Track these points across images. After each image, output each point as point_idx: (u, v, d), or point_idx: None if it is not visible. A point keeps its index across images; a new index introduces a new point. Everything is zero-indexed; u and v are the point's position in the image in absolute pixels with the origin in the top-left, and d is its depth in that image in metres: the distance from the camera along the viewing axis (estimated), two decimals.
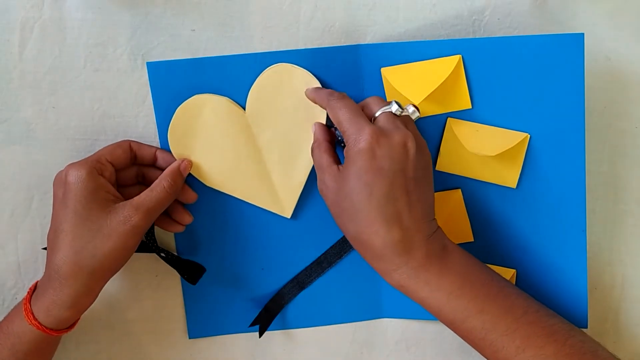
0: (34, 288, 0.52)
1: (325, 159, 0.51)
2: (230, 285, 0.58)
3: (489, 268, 0.51)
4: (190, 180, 0.56)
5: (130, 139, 0.55)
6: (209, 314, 0.59)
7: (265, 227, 0.58)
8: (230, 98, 0.55)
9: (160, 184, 0.53)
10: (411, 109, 0.52)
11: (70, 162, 0.52)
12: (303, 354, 0.60)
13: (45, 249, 0.53)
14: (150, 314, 0.59)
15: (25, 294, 0.52)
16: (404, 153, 0.48)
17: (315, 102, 0.54)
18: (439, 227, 0.50)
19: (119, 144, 0.54)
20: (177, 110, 0.55)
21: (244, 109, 0.56)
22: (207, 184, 0.56)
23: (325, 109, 0.52)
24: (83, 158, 0.53)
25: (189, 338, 0.59)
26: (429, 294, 0.48)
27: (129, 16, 0.56)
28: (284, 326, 0.59)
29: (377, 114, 0.51)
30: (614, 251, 0.59)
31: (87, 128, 0.57)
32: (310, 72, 0.55)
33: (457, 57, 0.54)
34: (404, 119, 0.51)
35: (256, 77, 0.55)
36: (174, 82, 0.55)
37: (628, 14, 0.57)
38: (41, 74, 0.56)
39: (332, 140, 0.54)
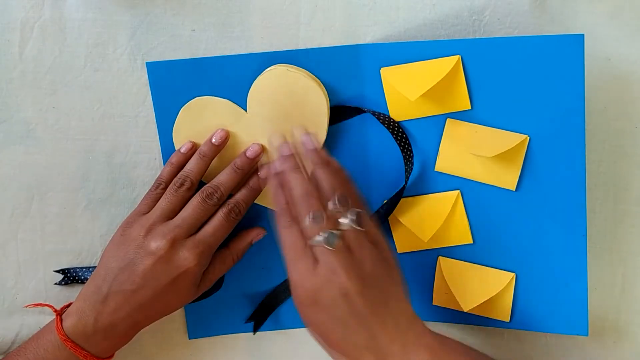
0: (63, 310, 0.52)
1: (298, 252, 0.47)
2: (230, 285, 0.58)
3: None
4: None
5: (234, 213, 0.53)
6: (209, 314, 0.59)
7: (265, 226, 0.57)
8: (230, 98, 0.55)
9: (229, 259, 0.55)
10: (346, 222, 0.46)
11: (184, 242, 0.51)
12: (303, 354, 0.60)
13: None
14: None
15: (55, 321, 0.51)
16: (346, 300, 0.44)
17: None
18: (416, 317, 0.47)
19: (228, 228, 0.53)
20: (180, 111, 0.55)
21: (245, 109, 0.56)
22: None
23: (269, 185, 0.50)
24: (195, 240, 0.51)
25: (189, 339, 0.59)
26: None
27: (129, 16, 0.56)
28: (284, 326, 0.59)
29: (312, 243, 0.46)
30: (614, 251, 0.59)
31: (87, 128, 0.57)
32: (310, 72, 0.55)
33: (456, 58, 0.53)
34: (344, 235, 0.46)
35: (256, 77, 0.55)
36: (173, 82, 0.55)
37: (628, 14, 0.57)
38: (41, 74, 0.56)
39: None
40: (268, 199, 0.56)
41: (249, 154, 0.55)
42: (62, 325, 0.50)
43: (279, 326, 0.59)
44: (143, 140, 0.57)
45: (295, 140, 0.52)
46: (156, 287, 0.50)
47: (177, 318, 0.59)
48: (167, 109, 0.56)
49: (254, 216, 0.57)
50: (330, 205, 0.47)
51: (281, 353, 0.60)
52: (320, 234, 0.46)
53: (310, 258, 0.46)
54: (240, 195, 0.54)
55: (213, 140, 0.55)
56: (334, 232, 0.45)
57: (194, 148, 0.55)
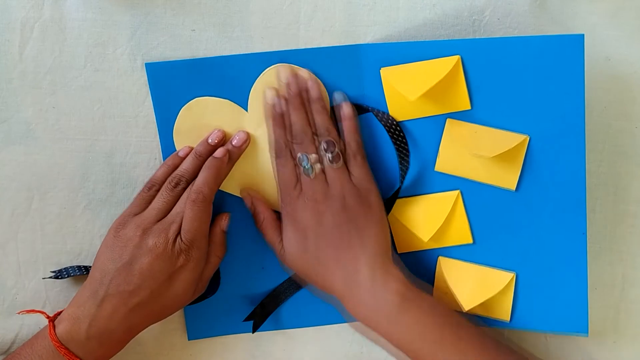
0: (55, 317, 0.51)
1: (274, 237, 0.55)
2: (230, 285, 0.58)
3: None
4: None
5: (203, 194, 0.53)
6: (209, 315, 0.59)
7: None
8: (230, 98, 0.55)
9: (213, 254, 0.55)
10: (315, 162, 0.53)
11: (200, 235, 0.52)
12: (303, 354, 0.60)
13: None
14: None
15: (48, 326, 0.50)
16: (317, 220, 0.52)
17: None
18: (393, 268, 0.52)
19: (207, 214, 0.53)
20: (180, 111, 0.55)
21: (245, 109, 0.56)
22: None
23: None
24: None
25: (189, 340, 0.59)
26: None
27: (129, 16, 0.56)
28: (284, 326, 0.59)
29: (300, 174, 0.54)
30: (614, 251, 0.59)
31: (87, 128, 0.57)
32: (311, 72, 0.55)
33: (456, 58, 0.53)
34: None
35: (256, 77, 0.55)
36: (173, 83, 0.55)
37: (628, 14, 0.57)
38: (41, 74, 0.56)
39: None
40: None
41: (235, 142, 0.55)
42: (55, 331, 0.50)
43: (279, 326, 0.59)
44: (143, 140, 0.57)
45: (300, 79, 0.55)
46: (153, 286, 0.50)
47: (177, 318, 0.59)
48: (167, 109, 0.56)
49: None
50: (321, 145, 0.53)
51: (281, 353, 0.60)
52: (303, 164, 0.53)
53: (298, 188, 0.53)
54: (198, 179, 0.53)
55: (209, 141, 0.55)
56: (313, 165, 0.53)
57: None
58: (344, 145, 0.54)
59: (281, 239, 0.54)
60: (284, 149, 0.54)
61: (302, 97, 0.54)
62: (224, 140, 0.55)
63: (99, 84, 0.57)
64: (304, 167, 0.53)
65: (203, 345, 0.60)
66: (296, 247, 0.53)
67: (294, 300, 0.59)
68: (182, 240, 0.51)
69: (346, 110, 0.55)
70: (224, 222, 0.55)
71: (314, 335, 0.60)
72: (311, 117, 0.54)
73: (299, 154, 0.53)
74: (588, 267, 0.55)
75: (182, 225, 0.52)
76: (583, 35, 0.52)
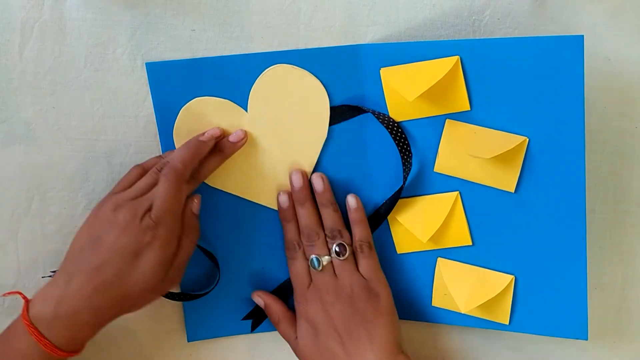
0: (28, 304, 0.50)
1: (289, 331, 0.56)
2: (229, 286, 0.58)
3: None
4: None
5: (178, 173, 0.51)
6: (208, 316, 0.59)
7: (266, 226, 0.57)
8: (230, 98, 0.55)
9: (185, 237, 0.53)
10: (326, 260, 0.54)
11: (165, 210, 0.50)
12: None
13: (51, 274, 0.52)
14: (150, 313, 0.59)
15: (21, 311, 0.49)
16: (324, 311, 0.54)
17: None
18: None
19: (177, 189, 0.51)
20: (180, 112, 0.55)
21: (245, 109, 0.56)
22: (210, 184, 0.56)
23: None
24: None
25: (188, 341, 0.59)
26: None
27: (129, 16, 0.56)
28: None
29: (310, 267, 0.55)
30: (614, 251, 0.59)
31: (87, 128, 0.57)
32: (311, 73, 0.55)
33: (455, 58, 0.53)
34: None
35: (256, 78, 0.55)
36: (173, 83, 0.55)
37: (628, 14, 0.57)
38: (41, 74, 0.56)
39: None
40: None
41: (231, 138, 0.55)
42: (28, 312, 0.48)
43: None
44: (143, 140, 0.57)
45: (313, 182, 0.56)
46: (119, 263, 0.49)
47: (178, 318, 0.59)
48: (167, 109, 0.56)
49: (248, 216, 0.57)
50: (333, 248, 0.55)
51: (281, 353, 0.60)
52: (312, 257, 0.54)
53: (310, 284, 0.55)
54: (174, 154, 0.52)
55: (201, 138, 0.54)
56: (319, 257, 0.54)
57: None
58: (351, 237, 0.56)
59: (295, 334, 0.55)
60: (298, 249, 0.55)
61: (312, 200, 0.56)
62: (219, 137, 0.55)
63: (99, 84, 0.57)
64: (312, 260, 0.54)
65: (203, 345, 0.60)
66: (308, 340, 0.54)
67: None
68: (150, 217, 0.50)
69: (352, 202, 0.56)
70: (195, 204, 0.54)
71: None
72: (323, 218, 0.56)
73: (311, 256, 0.54)
74: (588, 267, 0.54)
75: (153, 202, 0.50)
76: (583, 36, 0.51)
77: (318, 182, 0.56)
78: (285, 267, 0.57)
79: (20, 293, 0.51)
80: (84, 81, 0.57)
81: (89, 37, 0.56)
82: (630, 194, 0.58)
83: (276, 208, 0.57)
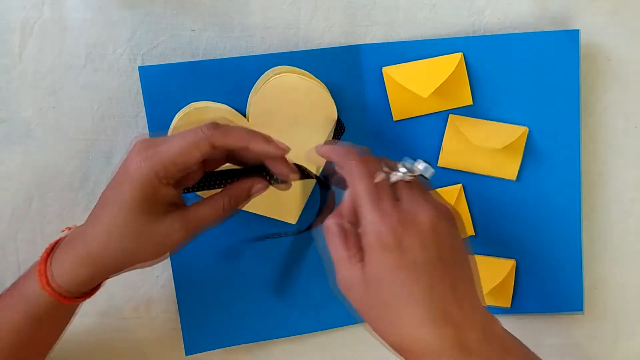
0: (53, 247, 0.48)
1: (342, 253, 0.42)
2: (228, 295, 0.57)
3: None
4: None
5: (213, 136, 0.45)
6: (207, 327, 0.57)
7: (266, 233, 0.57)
8: (227, 102, 0.54)
9: (219, 203, 0.47)
10: (422, 165, 0.45)
11: (142, 141, 0.45)
12: (304, 357, 0.60)
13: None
14: (151, 313, 0.59)
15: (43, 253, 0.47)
16: (437, 237, 0.42)
17: (329, 159, 0.48)
18: (494, 317, 0.43)
19: (196, 145, 0.44)
20: (176, 116, 0.54)
21: (244, 113, 0.55)
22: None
23: (340, 171, 0.46)
24: (155, 141, 0.45)
25: (186, 355, 0.58)
26: None
27: (129, 16, 0.56)
28: (288, 333, 0.59)
29: (392, 179, 0.44)
30: (614, 251, 0.59)
31: (87, 128, 0.57)
32: (311, 73, 0.54)
33: (459, 55, 0.54)
34: (419, 185, 0.45)
35: (254, 80, 0.54)
36: (167, 87, 0.54)
37: (628, 14, 0.57)
38: (41, 74, 0.56)
39: (347, 220, 0.44)
40: (257, 206, 0.55)
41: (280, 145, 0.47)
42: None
43: (284, 334, 0.59)
44: None
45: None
46: (105, 190, 0.47)
47: (175, 325, 0.58)
48: (160, 114, 0.54)
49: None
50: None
51: (282, 356, 0.60)
52: (399, 167, 0.44)
53: (391, 197, 0.43)
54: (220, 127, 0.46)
55: (268, 140, 0.47)
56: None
57: None
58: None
59: (354, 256, 0.42)
60: (363, 164, 0.45)
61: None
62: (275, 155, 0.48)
63: (98, 83, 0.57)
64: (403, 171, 0.45)
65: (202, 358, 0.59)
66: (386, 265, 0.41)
67: (296, 306, 0.58)
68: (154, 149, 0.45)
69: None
70: (257, 187, 0.49)
71: (314, 338, 0.60)
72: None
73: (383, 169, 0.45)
74: (588, 267, 0.55)
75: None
76: (578, 30, 0.54)
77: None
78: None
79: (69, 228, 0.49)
80: (84, 81, 0.57)
81: (89, 37, 0.56)
82: (629, 194, 0.59)
83: (278, 218, 0.56)
